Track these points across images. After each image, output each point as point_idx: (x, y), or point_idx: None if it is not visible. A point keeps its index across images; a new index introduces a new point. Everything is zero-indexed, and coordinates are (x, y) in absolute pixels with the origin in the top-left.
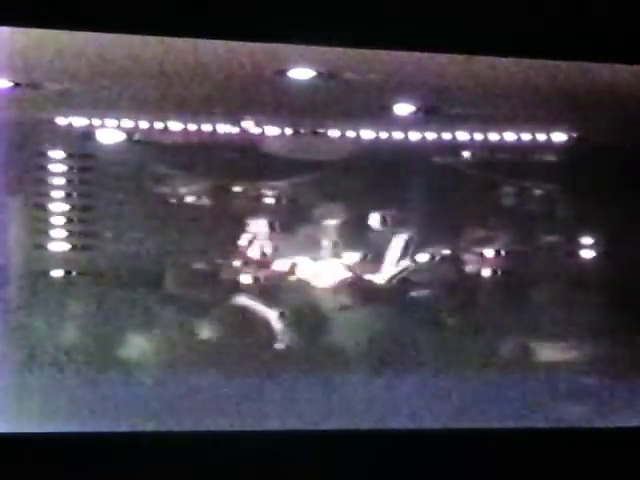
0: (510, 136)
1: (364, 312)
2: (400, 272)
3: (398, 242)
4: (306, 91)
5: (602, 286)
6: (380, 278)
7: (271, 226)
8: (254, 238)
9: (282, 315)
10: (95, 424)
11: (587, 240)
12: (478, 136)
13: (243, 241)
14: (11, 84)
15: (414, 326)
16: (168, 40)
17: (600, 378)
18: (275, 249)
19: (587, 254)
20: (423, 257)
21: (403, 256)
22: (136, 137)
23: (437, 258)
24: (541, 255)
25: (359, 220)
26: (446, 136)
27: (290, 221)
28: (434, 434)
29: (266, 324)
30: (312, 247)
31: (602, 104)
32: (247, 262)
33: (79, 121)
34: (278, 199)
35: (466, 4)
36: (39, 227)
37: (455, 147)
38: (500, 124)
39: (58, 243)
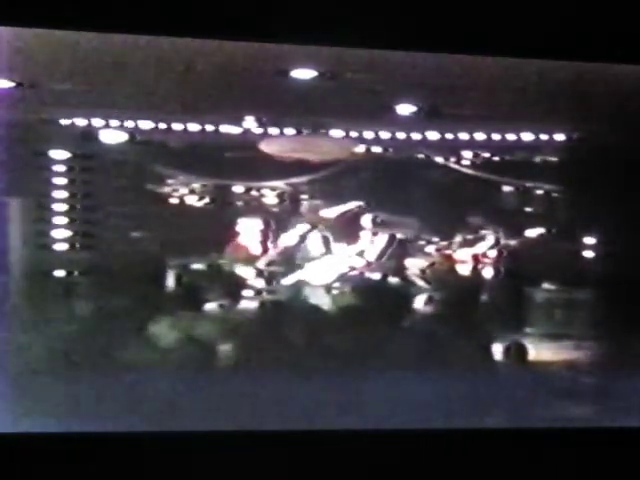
0: (510, 136)
1: (360, 310)
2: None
3: (394, 240)
4: (306, 91)
5: (603, 285)
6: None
7: (273, 226)
8: (255, 237)
9: (283, 313)
10: (95, 424)
11: (587, 239)
12: (478, 136)
13: (244, 240)
14: (11, 84)
15: (414, 325)
16: (168, 40)
17: (600, 378)
18: (275, 249)
19: (587, 253)
20: (424, 255)
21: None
22: (136, 137)
23: (436, 256)
24: (542, 254)
25: (360, 219)
26: (446, 136)
27: (291, 221)
28: (434, 434)
29: (267, 322)
30: (312, 246)
31: (602, 104)
32: (246, 261)
33: (79, 121)
34: (279, 199)
35: (466, 4)
36: (40, 227)
37: (455, 147)
38: (500, 124)
39: (59, 243)
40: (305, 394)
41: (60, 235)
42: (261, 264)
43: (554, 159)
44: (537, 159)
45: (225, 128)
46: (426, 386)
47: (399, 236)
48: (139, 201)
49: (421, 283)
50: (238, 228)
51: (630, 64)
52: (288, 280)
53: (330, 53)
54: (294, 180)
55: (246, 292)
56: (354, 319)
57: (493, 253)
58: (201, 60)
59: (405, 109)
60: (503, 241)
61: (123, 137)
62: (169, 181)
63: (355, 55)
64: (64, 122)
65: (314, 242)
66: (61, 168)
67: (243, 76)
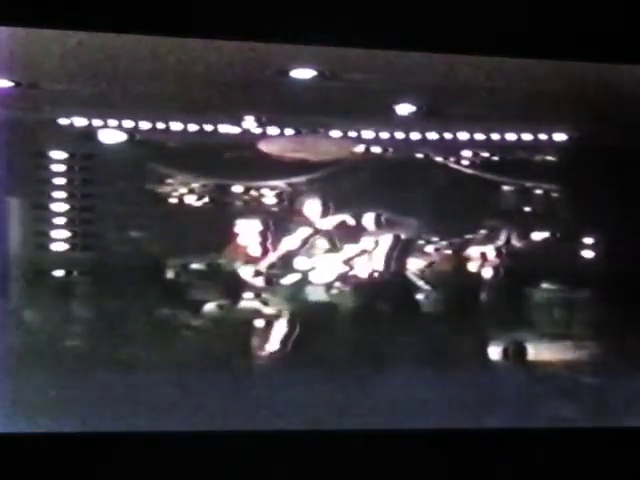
0: (510, 136)
1: (360, 308)
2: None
3: (398, 241)
4: (306, 91)
5: (602, 285)
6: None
7: (272, 226)
8: (255, 237)
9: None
10: (96, 424)
11: (588, 239)
12: (478, 136)
13: (244, 240)
14: (11, 84)
15: (413, 324)
16: (168, 40)
17: (600, 378)
18: (275, 249)
19: (587, 254)
20: (425, 255)
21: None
22: (136, 137)
23: (437, 256)
24: (541, 254)
25: (360, 219)
26: (446, 136)
27: (290, 220)
28: (433, 434)
29: (268, 322)
30: (312, 246)
31: (602, 104)
32: (246, 261)
33: (79, 121)
34: (278, 198)
35: (466, 4)
36: (39, 227)
37: (455, 147)
38: (500, 124)
39: (58, 243)
40: (305, 394)
41: (59, 235)
42: (261, 264)
43: (554, 159)
44: (537, 159)
45: (225, 128)
46: (426, 386)
47: (403, 237)
48: (138, 201)
49: (422, 283)
50: (237, 228)
51: (630, 64)
52: (288, 280)
53: (330, 53)
54: (294, 180)
55: (246, 292)
56: (354, 319)
57: (493, 253)
58: (201, 60)
59: (405, 109)
60: (503, 241)
61: (122, 137)
62: (168, 181)
63: (355, 55)
64: (64, 122)
65: (314, 242)
66: (60, 168)
67: (243, 76)
